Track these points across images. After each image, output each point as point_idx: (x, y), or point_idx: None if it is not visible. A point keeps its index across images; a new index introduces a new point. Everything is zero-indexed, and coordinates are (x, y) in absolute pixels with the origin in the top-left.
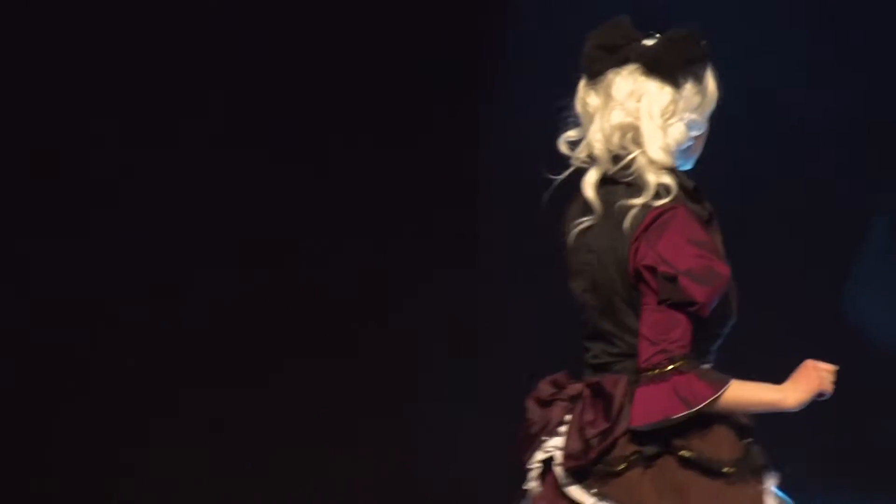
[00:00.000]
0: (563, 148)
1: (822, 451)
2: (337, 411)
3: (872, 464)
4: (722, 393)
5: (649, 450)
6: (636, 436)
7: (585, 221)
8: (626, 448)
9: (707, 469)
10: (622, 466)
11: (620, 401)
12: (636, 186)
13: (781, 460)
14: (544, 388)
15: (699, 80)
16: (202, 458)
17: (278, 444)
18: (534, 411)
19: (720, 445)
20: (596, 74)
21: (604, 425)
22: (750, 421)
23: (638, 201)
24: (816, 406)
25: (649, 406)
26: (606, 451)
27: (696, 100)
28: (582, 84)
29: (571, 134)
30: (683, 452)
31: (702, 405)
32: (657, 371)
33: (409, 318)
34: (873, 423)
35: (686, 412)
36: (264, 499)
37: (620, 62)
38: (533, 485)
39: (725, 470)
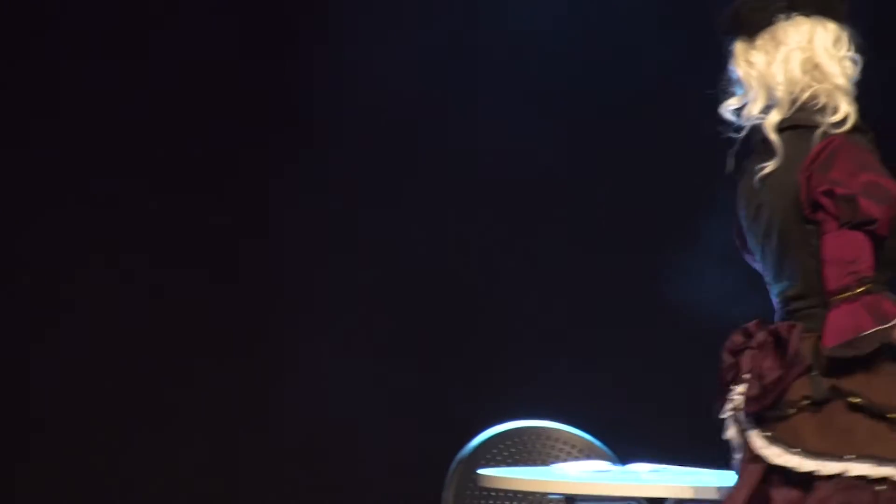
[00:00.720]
0: (728, 115)
1: None
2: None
3: None
4: None
5: (819, 395)
6: (807, 382)
7: (767, 166)
8: (796, 393)
9: (874, 413)
10: (792, 411)
11: (795, 347)
12: (810, 127)
13: None
14: (736, 339)
15: (849, 19)
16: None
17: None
18: (727, 361)
19: (890, 392)
20: (755, 33)
21: (778, 372)
22: None
23: (818, 133)
24: None
25: (840, 325)
26: (780, 397)
27: (852, 40)
28: (740, 48)
29: (733, 101)
30: (852, 398)
31: (893, 321)
32: (847, 293)
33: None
34: None
35: (877, 327)
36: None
37: (778, 14)
38: (731, 433)
39: (891, 416)
